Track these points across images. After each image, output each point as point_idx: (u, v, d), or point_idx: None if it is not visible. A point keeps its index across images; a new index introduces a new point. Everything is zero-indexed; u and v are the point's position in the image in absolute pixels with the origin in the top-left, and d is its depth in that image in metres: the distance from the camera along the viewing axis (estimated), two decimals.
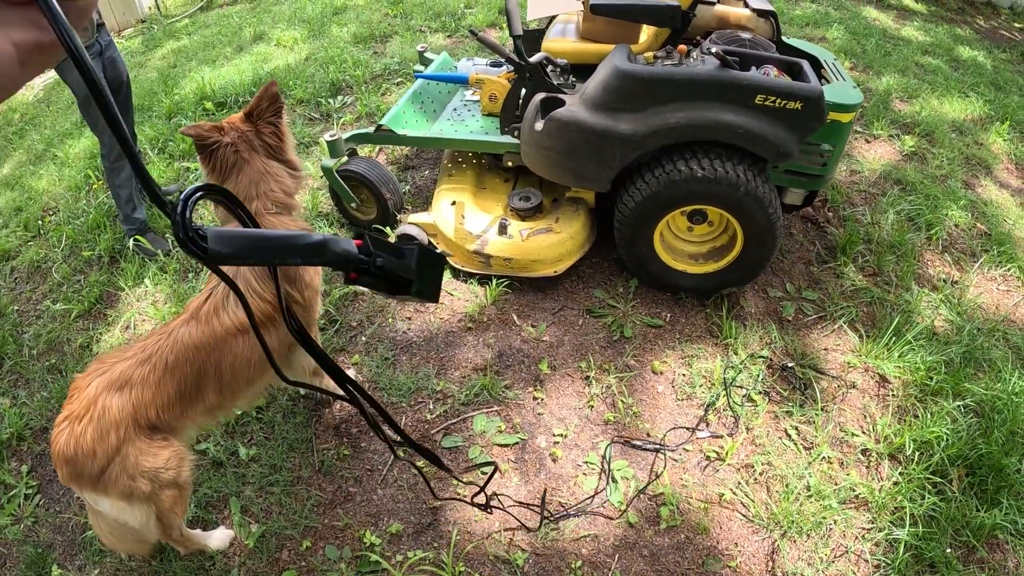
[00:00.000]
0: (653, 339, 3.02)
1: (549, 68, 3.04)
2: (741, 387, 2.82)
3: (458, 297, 2.99)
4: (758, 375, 2.85)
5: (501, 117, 3.06)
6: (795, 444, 2.63)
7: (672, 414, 2.74)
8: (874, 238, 3.58)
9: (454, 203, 2.99)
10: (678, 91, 2.56)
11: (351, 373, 2.55)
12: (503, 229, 2.84)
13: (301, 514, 2.26)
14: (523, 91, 2.95)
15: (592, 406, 2.64)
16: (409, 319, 2.89)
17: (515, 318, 2.91)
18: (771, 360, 2.92)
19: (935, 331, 3.15)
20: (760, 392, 2.79)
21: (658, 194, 2.71)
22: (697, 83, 2.53)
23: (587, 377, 2.76)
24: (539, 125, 2.72)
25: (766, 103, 2.52)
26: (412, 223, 3.01)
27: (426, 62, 3.84)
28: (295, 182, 1.83)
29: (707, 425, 2.70)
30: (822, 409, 2.75)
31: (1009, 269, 3.69)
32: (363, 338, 2.83)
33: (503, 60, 2.99)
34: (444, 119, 3.37)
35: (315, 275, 1.92)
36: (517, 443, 2.45)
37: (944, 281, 3.51)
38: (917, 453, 2.58)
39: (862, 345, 2.99)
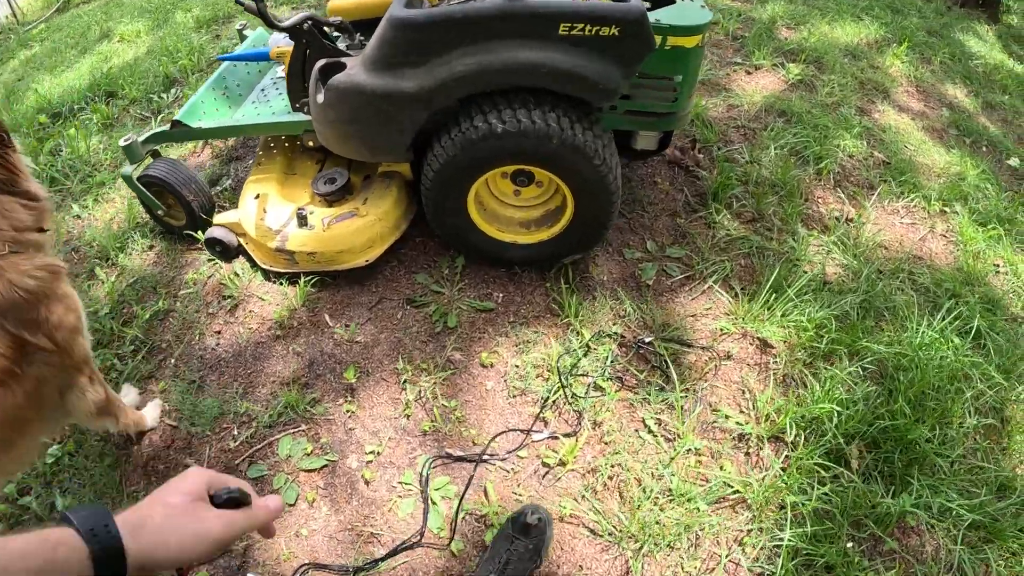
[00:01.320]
0: (482, 326, 2.53)
1: (326, 29, 2.53)
2: (585, 374, 2.33)
3: (268, 302, 2.66)
4: (607, 357, 2.38)
5: (288, 91, 2.57)
6: (654, 437, 2.18)
7: (503, 415, 2.27)
8: (752, 178, 3.18)
9: (258, 196, 2.74)
10: (462, 33, 2.08)
11: (153, 407, 2.31)
12: (302, 220, 2.53)
13: None
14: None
15: (408, 415, 2.27)
16: (219, 333, 2.58)
17: (327, 319, 2.56)
18: (623, 337, 2.45)
19: (827, 280, 2.77)
20: (610, 378, 2.32)
21: (456, 158, 2.28)
22: (483, 20, 2.06)
23: (410, 379, 2.36)
24: (320, 96, 2.23)
25: (573, 32, 2.06)
26: (219, 224, 2.76)
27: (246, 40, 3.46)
28: (32, 214, 1.68)
29: (545, 425, 2.22)
30: (688, 391, 2.29)
31: (912, 200, 3.38)
32: (172, 361, 2.51)
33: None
34: (249, 102, 3.05)
35: (66, 312, 1.70)
36: (325, 466, 2.14)
37: (837, 220, 3.15)
38: (804, 433, 2.14)
39: (737, 306, 2.56)
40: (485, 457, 2.13)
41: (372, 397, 2.30)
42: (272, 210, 2.61)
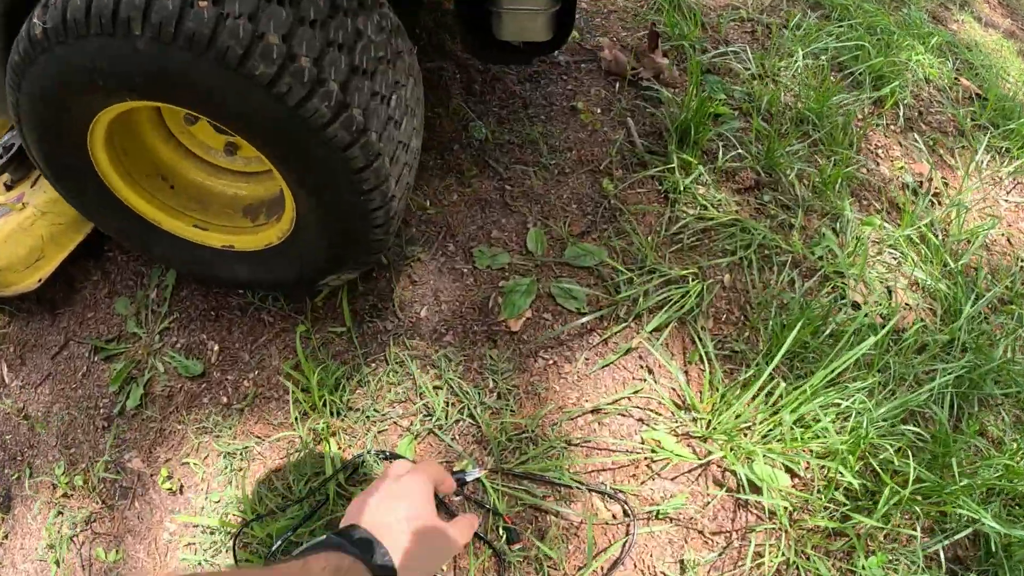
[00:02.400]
0: (181, 408, 1.27)
1: None
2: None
3: None
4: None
5: None
6: None
7: None
8: (761, 106, 1.68)
9: None
10: None
11: None
12: None
13: None
14: None
15: (59, 561, 1.31)
16: None
17: (4, 371, 1.59)
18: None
19: (896, 328, 1.33)
20: None
21: (20, 104, 1.04)
22: None
23: (66, 495, 1.35)
24: None
25: None
26: None
27: None
28: None
29: None
30: None
31: None
32: None
33: None
34: None
35: None
36: None
37: (914, 190, 1.68)
38: None
39: (700, 395, 1.14)
40: None
41: (26, 518, 1.45)
42: None
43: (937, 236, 1.57)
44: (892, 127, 1.90)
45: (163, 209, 1.20)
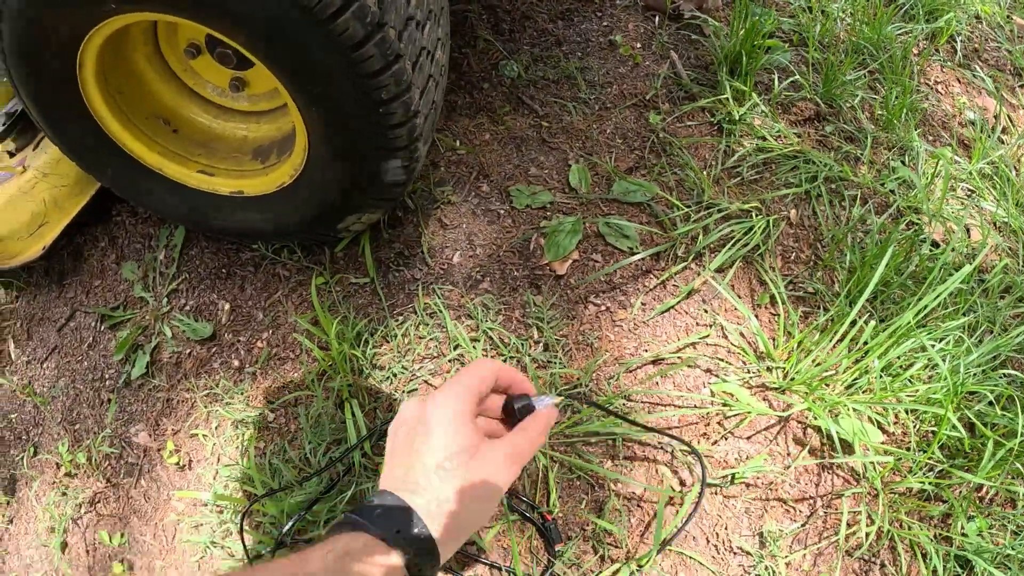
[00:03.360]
0: (190, 374, 1.14)
1: None
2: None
3: None
4: None
5: None
6: None
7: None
8: (814, 36, 1.52)
9: None
10: None
11: None
12: None
13: None
14: None
15: (64, 543, 1.20)
16: None
17: (11, 347, 1.49)
18: None
19: (985, 269, 1.18)
20: None
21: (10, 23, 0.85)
22: None
23: (69, 474, 1.24)
24: None
25: None
26: None
27: None
28: None
29: None
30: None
31: None
32: None
33: None
34: None
35: None
36: None
37: (974, 123, 1.53)
38: None
39: (774, 338, 0.99)
40: None
41: (30, 500, 1.35)
42: None
43: (1008, 167, 1.42)
44: (949, 62, 1.74)
45: (165, 155, 1.06)
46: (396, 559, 0.48)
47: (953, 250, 1.16)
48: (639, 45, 1.46)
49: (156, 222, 1.33)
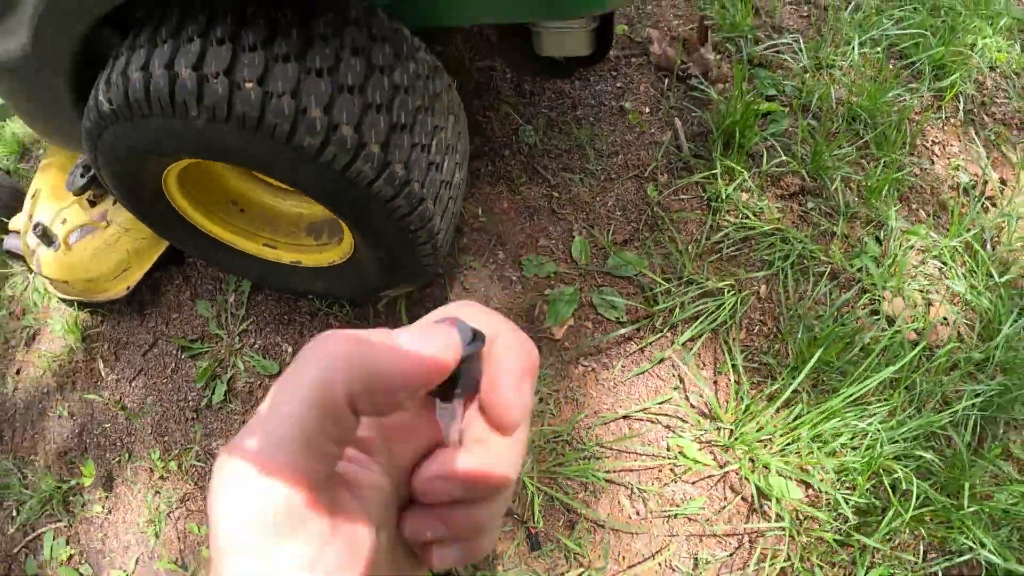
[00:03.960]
0: (261, 402, 1.29)
1: None
2: None
3: (57, 333, 1.98)
4: None
5: None
6: None
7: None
8: (813, 103, 1.66)
9: (35, 193, 1.90)
10: None
11: None
12: (46, 237, 1.73)
13: None
14: None
15: (158, 533, 1.52)
16: (18, 373, 2.01)
17: (101, 366, 1.83)
18: None
19: (927, 345, 1.37)
20: None
21: (97, 160, 1.16)
22: None
23: (162, 478, 1.57)
24: None
25: None
26: (13, 230, 2.04)
27: None
28: None
29: None
30: None
31: None
32: None
33: None
34: None
35: None
36: None
37: (967, 191, 1.67)
38: None
39: (723, 406, 1.23)
40: None
41: (127, 496, 1.66)
42: (38, 215, 1.78)
43: (986, 246, 1.57)
44: (952, 120, 1.85)
45: (236, 232, 1.32)
46: None
47: (900, 332, 1.35)
48: (647, 110, 1.64)
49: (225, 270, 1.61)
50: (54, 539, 1.76)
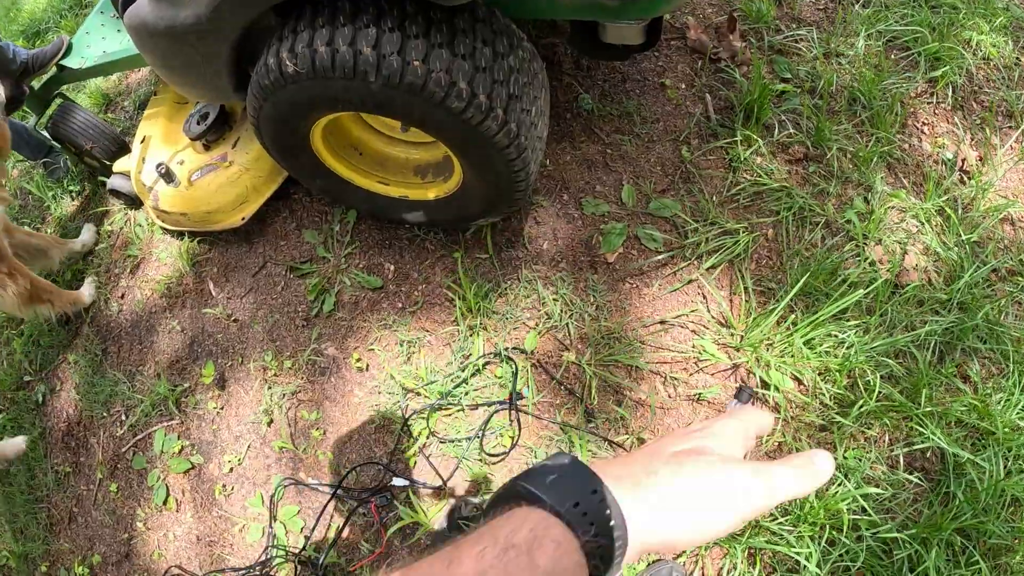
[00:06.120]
0: (365, 311, 1.85)
1: None
2: (464, 406, 1.53)
3: (163, 262, 2.32)
4: (513, 381, 1.54)
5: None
6: None
7: (367, 442, 1.71)
8: (821, 86, 2.05)
9: (144, 139, 2.25)
10: None
11: (88, 285, 2.38)
12: (167, 175, 2.09)
13: (39, 536, 2.08)
14: None
15: (270, 422, 1.86)
16: (122, 298, 2.34)
17: (211, 287, 2.16)
18: (535, 359, 1.60)
19: (898, 284, 1.78)
20: (509, 434, 1.50)
21: (263, 109, 1.50)
22: None
23: (275, 375, 1.92)
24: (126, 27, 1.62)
25: None
26: (118, 171, 2.40)
27: None
28: None
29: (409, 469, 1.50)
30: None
31: None
32: (86, 328, 2.32)
33: None
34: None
35: None
36: (191, 468, 1.96)
37: (947, 163, 2.05)
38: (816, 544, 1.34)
39: (736, 317, 1.64)
40: (339, 492, 1.69)
41: (239, 393, 1.96)
42: (151, 158, 2.15)
43: (957, 211, 1.96)
44: (942, 105, 2.23)
45: (355, 171, 1.68)
46: (575, 544, 0.38)
47: (877, 271, 1.76)
48: (683, 86, 2.03)
49: (330, 203, 1.99)
50: (165, 436, 2.02)
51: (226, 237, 2.15)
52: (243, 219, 2.04)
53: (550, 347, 1.64)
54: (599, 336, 1.62)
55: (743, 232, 1.74)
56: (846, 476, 1.50)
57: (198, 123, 1.99)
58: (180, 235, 2.23)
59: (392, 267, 1.83)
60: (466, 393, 1.63)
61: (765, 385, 1.59)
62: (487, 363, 1.64)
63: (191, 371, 2.02)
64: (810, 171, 1.90)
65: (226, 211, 2.03)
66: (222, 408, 1.94)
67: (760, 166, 1.85)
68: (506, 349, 1.64)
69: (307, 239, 2.00)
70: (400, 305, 1.78)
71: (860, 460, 1.54)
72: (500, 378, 1.61)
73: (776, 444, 1.56)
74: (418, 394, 1.66)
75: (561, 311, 1.66)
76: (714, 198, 1.79)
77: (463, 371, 1.64)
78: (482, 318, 1.67)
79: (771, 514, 1.44)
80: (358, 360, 1.78)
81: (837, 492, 1.47)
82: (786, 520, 1.46)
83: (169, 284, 2.19)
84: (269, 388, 1.88)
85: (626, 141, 1.87)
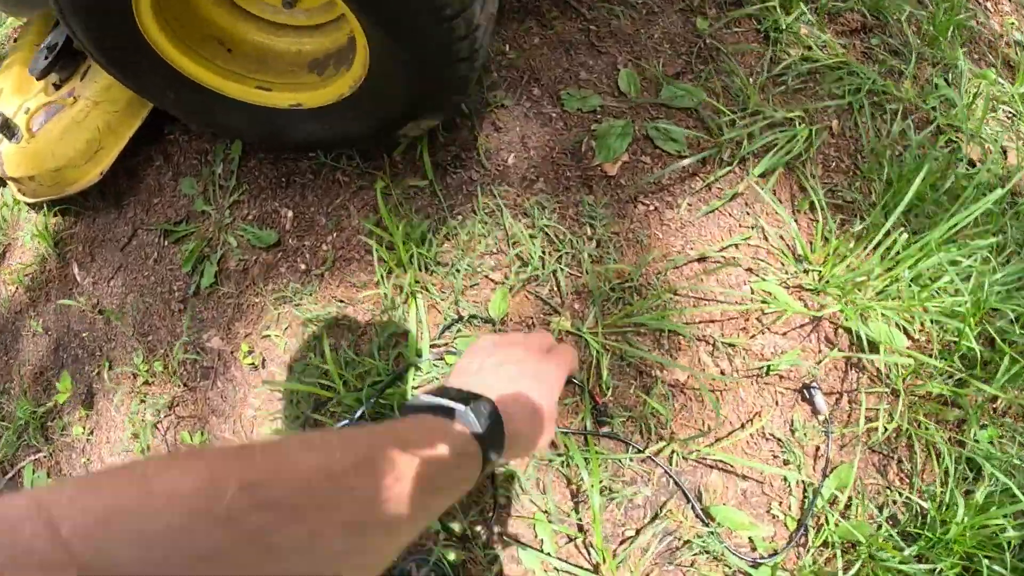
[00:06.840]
0: (257, 280, 1.23)
1: None
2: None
3: (27, 246, 1.75)
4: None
5: None
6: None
7: None
8: None
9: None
10: None
11: None
12: (7, 128, 1.51)
13: None
14: None
15: (144, 448, 1.33)
16: None
17: (75, 270, 1.61)
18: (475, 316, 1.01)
19: (1018, 192, 1.28)
20: None
21: None
22: None
23: (147, 383, 1.35)
24: None
25: None
26: None
27: None
28: None
29: None
30: (657, 439, 0.90)
31: None
32: None
33: None
34: None
35: None
36: None
37: (1022, 44, 1.57)
38: None
39: (813, 242, 1.08)
40: None
41: (108, 411, 1.46)
42: (1, 109, 1.57)
43: None
44: None
45: (223, 75, 1.09)
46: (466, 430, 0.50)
47: (988, 171, 1.24)
48: None
49: (211, 138, 1.37)
50: (34, 472, 1.59)
51: (93, 203, 1.56)
52: (101, 173, 1.51)
53: (529, 309, 1.05)
54: (606, 288, 1.03)
55: (799, 124, 1.18)
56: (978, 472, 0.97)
57: (45, 57, 1.48)
58: (42, 209, 1.61)
59: (290, 213, 1.21)
60: (404, 396, 1.02)
61: (867, 345, 1.03)
62: (432, 345, 1.04)
63: (53, 384, 1.51)
64: (872, 44, 1.37)
65: (78, 164, 1.49)
66: (91, 433, 1.48)
67: (808, 37, 1.31)
68: (459, 319, 1.04)
69: (184, 190, 1.38)
70: (303, 267, 1.17)
71: (999, 443, 1.01)
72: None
73: (891, 432, 1.01)
74: (340, 403, 1.05)
75: (543, 253, 1.06)
76: (751, 80, 1.23)
77: (391, 361, 1.03)
78: (419, 273, 1.06)
79: (892, 547, 0.89)
80: (249, 352, 1.17)
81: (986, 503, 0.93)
82: (910, 552, 0.93)
83: (31, 272, 1.66)
84: (140, 402, 1.33)
85: (617, 13, 1.29)
